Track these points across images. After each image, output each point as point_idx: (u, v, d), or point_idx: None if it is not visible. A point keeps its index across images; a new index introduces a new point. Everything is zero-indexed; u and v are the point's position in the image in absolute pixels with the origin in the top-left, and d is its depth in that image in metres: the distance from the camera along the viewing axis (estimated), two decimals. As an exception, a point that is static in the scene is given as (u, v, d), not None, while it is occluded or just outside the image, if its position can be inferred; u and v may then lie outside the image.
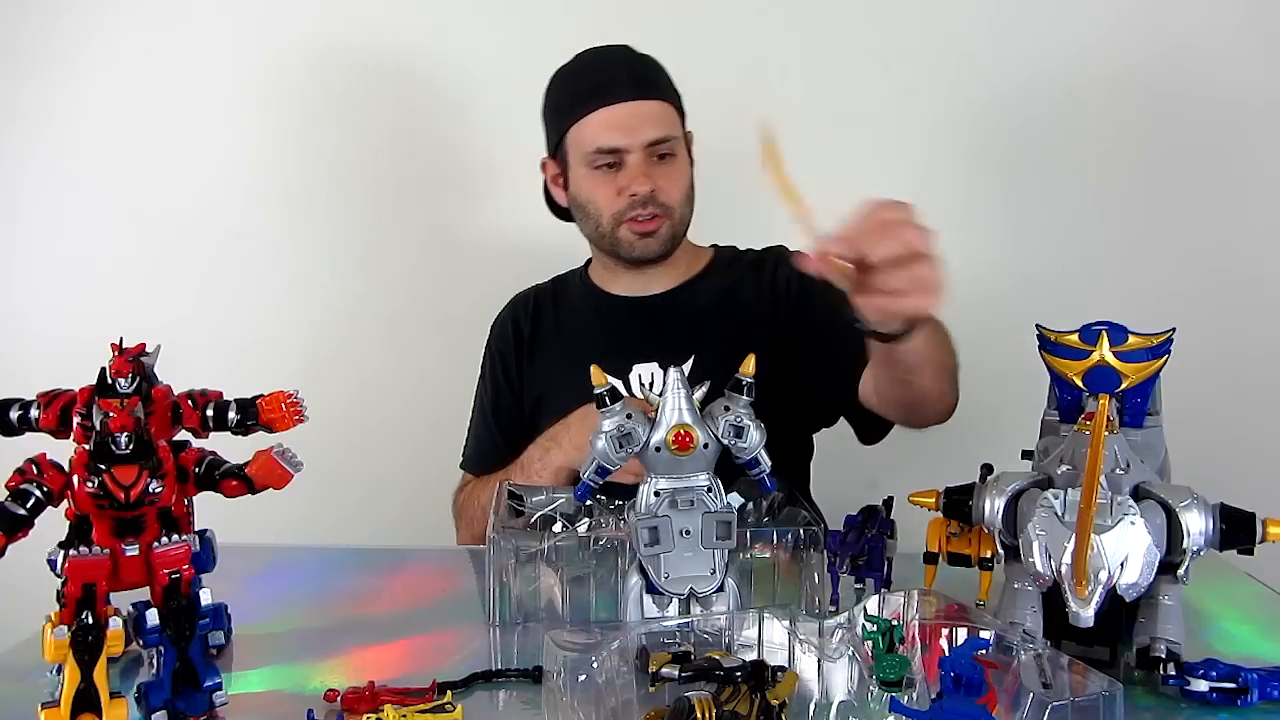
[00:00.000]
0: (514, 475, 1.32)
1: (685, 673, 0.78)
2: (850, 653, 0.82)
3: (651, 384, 0.97)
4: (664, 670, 0.79)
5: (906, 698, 0.77)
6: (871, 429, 1.38)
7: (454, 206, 1.96)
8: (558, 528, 1.08)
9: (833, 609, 1.00)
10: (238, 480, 0.87)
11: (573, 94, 1.38)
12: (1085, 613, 0.78)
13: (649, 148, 1.34)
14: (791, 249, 1.48)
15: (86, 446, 0.78)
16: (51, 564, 0.80)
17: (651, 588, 0.93)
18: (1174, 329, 0.90)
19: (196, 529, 0.89)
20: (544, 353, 1.51)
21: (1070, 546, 0.79)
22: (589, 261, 1.55)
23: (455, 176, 1.94)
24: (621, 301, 1.47)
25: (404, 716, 0.77)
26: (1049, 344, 0.93)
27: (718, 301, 1.45)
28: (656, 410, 0.93)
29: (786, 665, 0.83)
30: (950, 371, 1.21)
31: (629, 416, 0.92)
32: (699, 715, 0.70)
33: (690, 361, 1.35)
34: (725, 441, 0.93)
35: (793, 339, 1.38)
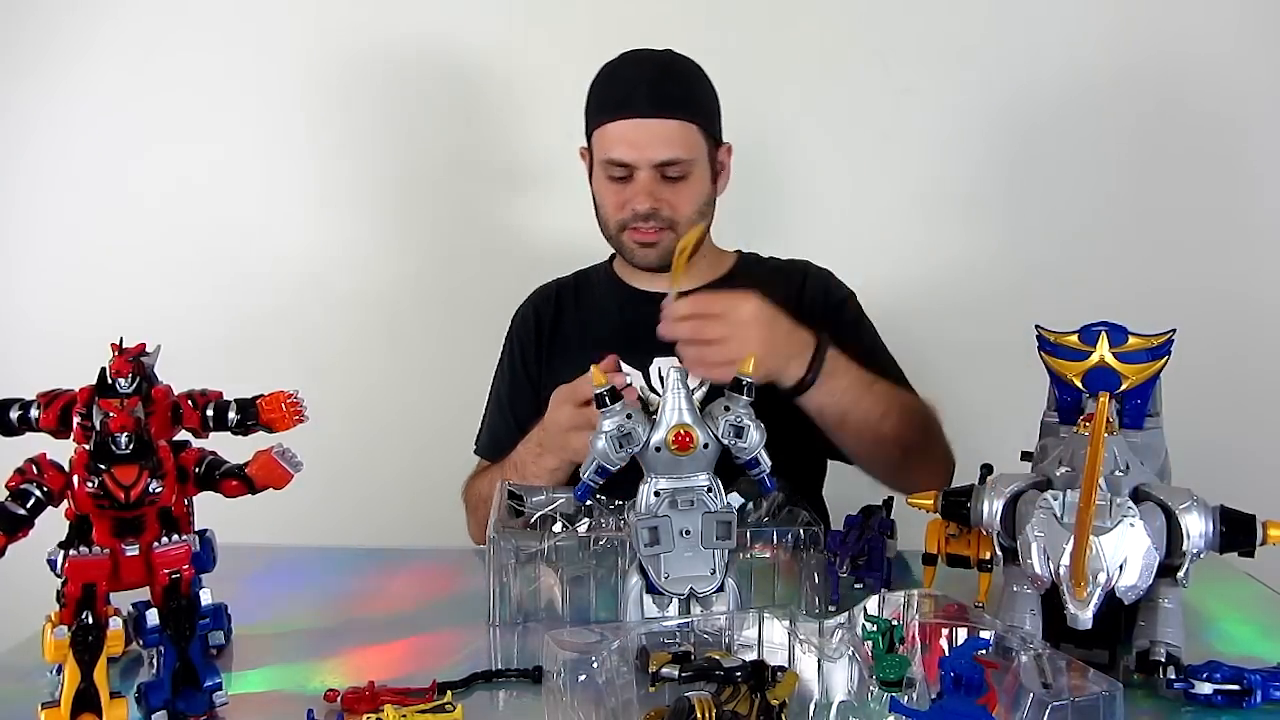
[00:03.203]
0: (508, 474, 1.32)
1: (685, 673, 0.78)
2: (850, 653, 0.82)
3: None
4: (664, 670, 0.79)
5: (906, 698, 0.77)
6: None
7: (455, 206, 1.96)
8: (558, 528, 1.07)
9: (833, 609, 1.00)
10: (238, 480, 0.87)
11: (600, 97, 1.39)
12: (1084, 615, 0.78)
13: (658, 167, 1.34)
14: (816, 265, 1.50)
15: (86, 446, 0.79)
16: (51, 564, 0.80)
17: (651, 588, 0.93)
18: (1174, 330, 0.89)
19: (196, 529, 0.89)
20: (565, 345, 1.51)
21: (1069, 548, 0.78)
22: (614, 255, 1.55)
23: (457, 176, 1.94)
24: (645, 295, 1.47)
25: (404, 716, 0.77)
26: (1048, 345, 0.93)
27: None
28: (656, 409, 0.93)
29: (786, 665, 0.83)
30: (894, 443, 1.23)
31: (629, 416, 0.92)
32: (699, 715, 0.70)
33: None
34: (725, 441, 0.93)
35: None
